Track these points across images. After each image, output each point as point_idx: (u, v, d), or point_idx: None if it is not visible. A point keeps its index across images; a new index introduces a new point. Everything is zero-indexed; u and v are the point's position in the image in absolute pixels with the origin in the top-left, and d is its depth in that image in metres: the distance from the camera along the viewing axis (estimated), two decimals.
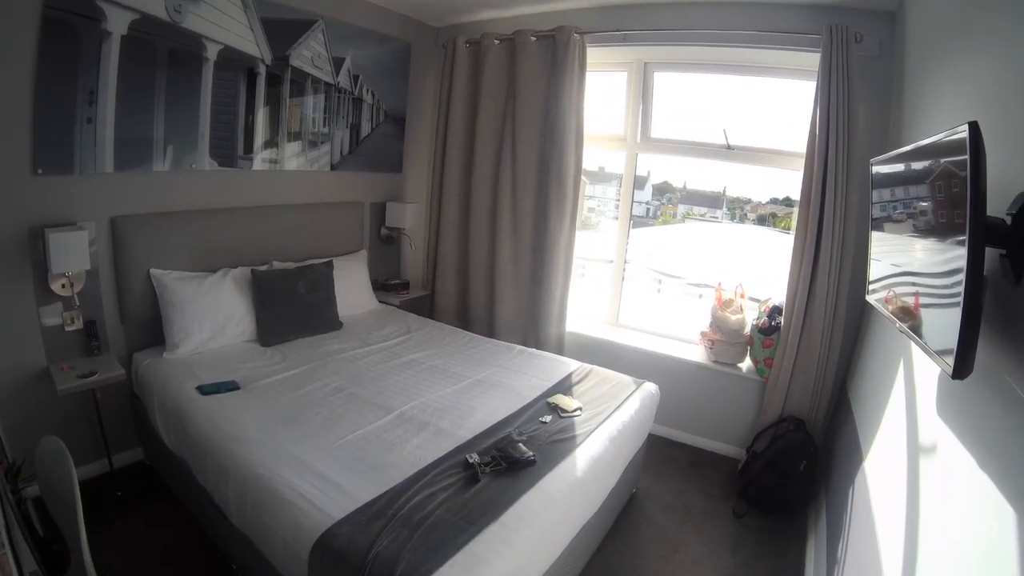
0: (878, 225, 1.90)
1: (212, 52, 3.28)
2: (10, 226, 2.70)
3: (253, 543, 2.14)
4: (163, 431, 2.79)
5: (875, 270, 1.94)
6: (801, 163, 3.31)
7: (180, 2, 3.07)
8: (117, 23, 2.83)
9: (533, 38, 4.01)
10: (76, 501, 1.69)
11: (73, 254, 2.73)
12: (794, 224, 3.48)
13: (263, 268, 3.56)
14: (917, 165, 1.50)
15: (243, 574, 2.41)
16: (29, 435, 2.41)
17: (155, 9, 2.97)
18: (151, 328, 3.19)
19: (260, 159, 3.72)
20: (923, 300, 1.39)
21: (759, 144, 3.81)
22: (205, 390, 2.74)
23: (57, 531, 1.89)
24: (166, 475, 3.01)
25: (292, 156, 3.93)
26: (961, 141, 1.06)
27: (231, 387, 2.80)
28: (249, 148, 3.64)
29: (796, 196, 3.40)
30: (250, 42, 3.46)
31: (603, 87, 4.25)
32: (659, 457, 3.67)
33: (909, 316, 1.47)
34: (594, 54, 3.92)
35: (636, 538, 2.95)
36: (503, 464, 2.25)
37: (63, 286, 2.86)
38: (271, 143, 3.77)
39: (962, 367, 1.04)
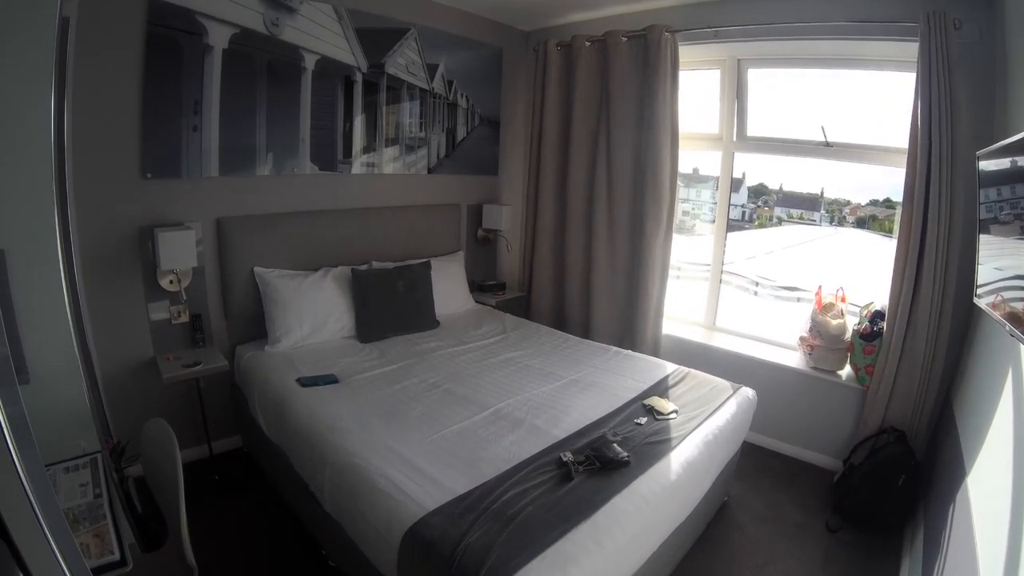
0: (984, 227, 1.77)
1: (310, 62, 3.42)
2: (121, 226, 2.90)
3: (345, 530, 2.19)
4: (263, 420, 2.91)
5: (983, 274, 1.82)
6: (903, 159, 3.12)
7: (277, 16, 3.22)
8: (218, 37, 3.01)
9: (624, 38, 3.97)
10: (179, 482, 1.75)
11: (181, 252, 2.89)
12: (896, 226, 3.29)
13: (363, 268, 3.68)
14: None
15: (333, 559, 2.46)
16: (134, 419, 2.56)
17: (254, 23, 3.14)
18: (253, 323, 3.35)
19: (359, 163, 3.85)
20: None
21: (859, 140, 3.63)
22: (305, 382, 2.83)
23: (155, 509, 1.98)
24: (262, 462, 3.13)
25: (390, 160, 4.05)
26: None
27: (330, 380, 2.88)
28: (348, 153, 3.77)
29: (896, 197, 3.23)
30: (346, 52, 3.58)
31: (697, 85, 4.16)
32: (753, 465, 3.53)
33: (1018, 322, 1.36)
34: (686, 52, 3.84)
35: (726, 547, 2.85)
36: (597, 464, 2.21)
37: (171, 282, 3.04)
38: (369, 148, 3.89)
39: None
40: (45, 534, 0.84)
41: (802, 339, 3.67)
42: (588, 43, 4.15)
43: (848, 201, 4.59)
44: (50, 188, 1.74)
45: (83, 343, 2.54)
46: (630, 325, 4.24)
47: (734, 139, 4.06)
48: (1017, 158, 1.49)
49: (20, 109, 1.60)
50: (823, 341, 3.52)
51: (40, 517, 0.83)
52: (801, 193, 5.00)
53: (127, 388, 3.00)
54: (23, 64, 1.59)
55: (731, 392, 2.98)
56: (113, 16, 2.67)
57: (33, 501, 0.82)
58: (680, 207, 4.13)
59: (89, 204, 2.73)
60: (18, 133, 1.61)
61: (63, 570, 0.86)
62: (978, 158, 1.85)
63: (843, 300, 3.62)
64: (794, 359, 3.77)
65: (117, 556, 1.48)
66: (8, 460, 0.79)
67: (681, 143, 3.95)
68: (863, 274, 3.98)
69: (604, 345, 3.72)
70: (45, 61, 1.64)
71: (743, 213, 4.86)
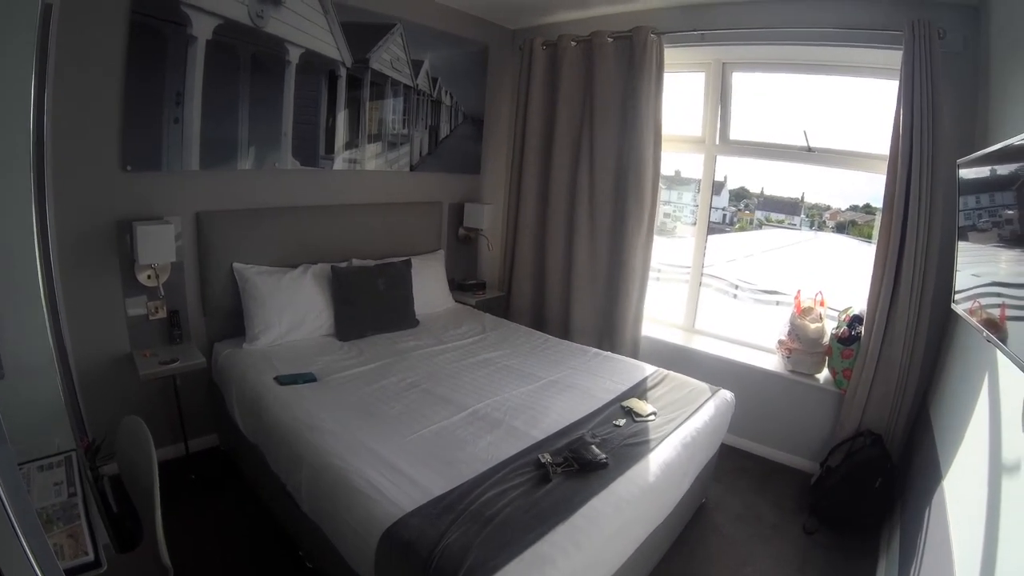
0: (963, 234, 1.81)
1: (294, 56, 3.38)
2: (99, 219, 2.86)
3: (322, 530, 2.18)
4: (240, 419, 2.88)
5: (960, 280, 1.85)
6: (883, 166, 3.17)
7: (262, 8, 3.18)
8: (202, 28, 2.96)
9: (610, 39, 3.98)
10: (154, 481, 1.73)
11: (159, 246, 2.86)
12: (875, 231, 3.33)
13: (343, 265, 3.65)
14: (1003, 169, 1.43)
15: (310, 560, 2.45)
16: (110, 416, 2.51)
17: (238, 15, 3.10)
18: (232, 320, 3.31)
19: (341, 159, 3.82)
20: (1009, 312, 1.31)
21: (840, 146, 3.67)
22: (283, 381, 2.81)
23: (131, 508, 1.95)
24: (240, 461, 3.11)
25: (372, 157, 4.02)
26: None
27: (308, 379, 2.87)
28: (330, 148, 3.74)
29: (876, 203, 3.27)
30: (331, 46, 3.55)
31: (682, 88, 4.18)
32: (730, 467, 3.57)
33: (995, 328, 1.38)
34: (672, 55, 3.85)
35: (704, 549, 2.87)
36: (575, 465, 2.22)
37: (149, 277, 3.00)
38: (352, 144, 3.86)
39: None
40: (17, 535, 0.83)
41: (780, 342, 3.71)
42: (574, 43, 4.15)
43: (828, 206, 4.64)
44: (27, 179, 1.72)
45: (58, 338, 2.51)
46: (610, 326, 4.25)
47: (717, 142, 4.09)
48: (996, 167, 1.52)
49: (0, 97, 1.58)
50: (801, 345, 3.55)
51: (12, 517, 0.82)
52: (782, 197, 5.05)
53: (103, 385, 2.95)
54: (4, 51, 1.56)
55: (709, 394, 3.00)
56: (96, 4, 2.62)
57: (4, 500, 0.81)
58: (661, 209, 4.15)
59: (67, 196, 2.67)
60: None
61: (35, 572, 0.85)
62: (958, 166, 1.88)
63: (822, 304, 3.66)
64: (772, 362, 3.80)
65: (91, 557, 1.46)
66: None
67: (664, 145, 3.96)
68: (842, 279, 4.02)
69: (583, 346, 3.73)
70: (26, 48, 1.61)
71: (724, 216, 4.90)
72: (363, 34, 3.71)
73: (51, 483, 1.67)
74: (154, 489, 1.72)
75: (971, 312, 1.65)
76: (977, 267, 1.66)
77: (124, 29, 2.72)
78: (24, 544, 0.84)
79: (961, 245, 1.85)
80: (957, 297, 1.88)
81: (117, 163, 2.85)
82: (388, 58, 3.90)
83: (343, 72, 3.66)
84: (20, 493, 0.86)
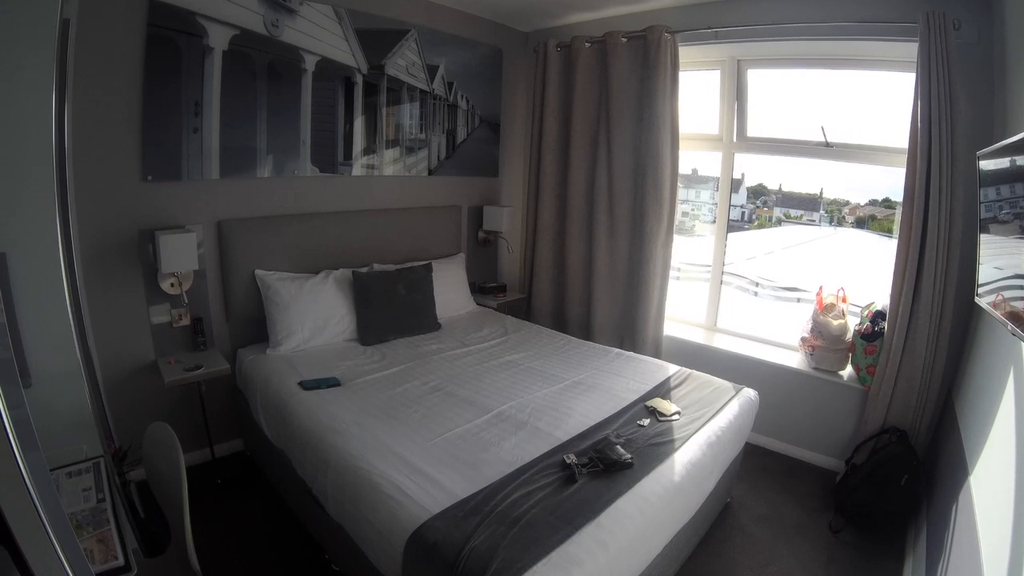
0: (984, 227, 1.78)
1: (310, 63, 3.41)
2: (121, 229, 2.90)
3: (348, 533, 2.18)
4: (264, 423, 2.91)
5: (983, 273, 1.82)
6: (902, 159, 3.12)
7: (277, 17, 3.21)
8: (218, 39, 3.00)
9: (624, 39, 3.97)
10: (183, 486, 1.75)
11: (182, 255, 2.88)
12: (896, 225, 3.29)
13: (363, 270, 3.66)
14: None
15: (336, 563, 2.46)
16: (135, 423, 2.56)
17: (254, 24, 3.13)
18: (255, 326, 3.35)
19: (359, 165, 3.85)
20: None
21: (859, 141, 3.63)
22: (307, 385, 2.82)
23: (158, 513, 1.98)
24: (264, 466, 3.13)
25: (390, 162, 4.05)
26: None
27: (332, 383, 2.88)
28: (348, 155, 3.77)
29: (895, 197, 3.22)
30: (346, 53, 3.58)
31: (697, 86, 4.16)
32: (754, 466, 3.54)
33: (1019, 321, 1.36)
34: (686, 53, 3.84)
35: (728, 548, 2.84)
36: (600, 466, 2.21)
37: (172, 285, 3.03)
38: (369, 150, 3.88)
39: None
40: (51, 540, 0.84)
41: (803, 340, 3.68)
42: (588, 44, 4.15)
43: (847, 201, 4.61)
44: (51, 191, 1.74)
45: (84, 346, 2.53)
46: (631, 326, 4.24)
47: (734, 140, 4.06)
48: (1017, 158, 1.50)
49: (21, 112, 1.60)
50: (824, 341, 3.52)
51: (46, 523, 0.83)
52: (800, 193, 5.02)
53: (128, 392, 2.99)
54: (24, 66, 1.58)
55: (733, 393, 2.97)
56: (113, 18, 2.67)
57: (39, 507, 0.82)
58: (679, 208, 4.13)
59: (89, 207, 2.72)
60: (19, 136, 1.61)
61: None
62: (978, 158, 1.85)
63: (844, 300, 3.62)
64: (795, 360, 3.77)
65: (121, 561, 1.48)
66: (13, 465, 0.79)
67: (681, 144, 3.95)
68: (863, 274, 3.98)
69: (605, 347, 3.71)
70: (46, 63, 1.63)
71: (742, 213, 4.87)
72: (378, 40, 3.73)
73: (80, 489, 1.69)
74: (183, 494, 1.74)
75: (995, 305, 1.63)
76: (1000, 259, 1.63)
77: (141, 41, 2.77)
78: (58, 549, 0.85)
79: (983, 238, 1.83)
80: (980, 290, 1.85)
81: (138, 174, 2.89)
82: (403, 63, 3.92)
83: (359, 79, 3.68)
84: (53, 499, 0.87)
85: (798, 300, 4.73)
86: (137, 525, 1.89)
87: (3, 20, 1.51)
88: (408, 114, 4.07)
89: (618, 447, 2.34)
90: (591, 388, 3.00)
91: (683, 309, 4.50)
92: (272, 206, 3.45)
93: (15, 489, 0.80)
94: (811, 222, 5.00)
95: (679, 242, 4.23)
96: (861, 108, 3.70)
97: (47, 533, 0.83)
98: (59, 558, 0.85)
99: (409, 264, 3.93)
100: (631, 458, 2.26)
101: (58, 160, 1.97)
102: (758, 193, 4.98)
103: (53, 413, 1.83)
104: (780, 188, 5.00)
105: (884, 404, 3.24)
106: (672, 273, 4.21)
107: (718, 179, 4.19)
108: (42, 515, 0.82)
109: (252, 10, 3.11)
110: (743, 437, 2.95)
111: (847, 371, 3.56)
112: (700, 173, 4.67)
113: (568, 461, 2.21)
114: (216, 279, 3.26)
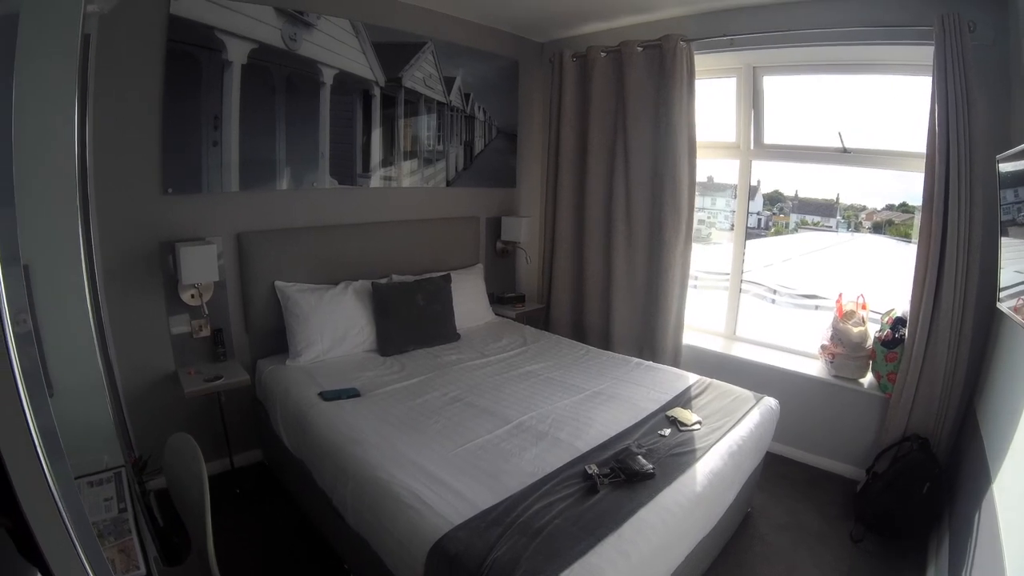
0: (1004, 230, 1.76)
1: (328, 77, 3.45)
2: (142, 241, 2.94)
3: (368, 544, 2.18)
4: (284, 434, 2.92)
5: (1005, 277, 1.79)
6: (921, 163, 3.09)
7: (295, 31, 3.25)
8: (237, 53, 3.04)
9: (639, 48, 3.97)
10: (205, 497, 1.75)
11: (202, 266, 2.91)
12: (915, 230, 3.25)
13: (383, 281, 3.68)
14: None
15: (356, 574, 2.45)
16: (156, 433, 2.58)
17: (272, 39, 3.18)
18: (274, 337, 3.37)
19: (378, 177, 3.88)
20: None
21: (876, 146, 3.60)
22: (326, 396, 2.83)
23: (178, 523, 1.98)
24: (284, 476, 3.14)
25: (408, 174, 4.07)
26: None
27: (352, 394, 2.88)
28: (367, 167, 3.80)
29: (912, 201, 3.19)
30: (363, 66, 3.61)
31: (713, 93, 4.15)
32: (774, 475, 3.49)
33: None
34: (702, 61, 3.84)
35: (750, 558, 2.81)
36: (622, 476, 2.19)
37: (192, 296, 3.06)
38: (388, 162, 3.91)
39: None
40: (76, 548, 0.84)
41: (823, 347, 3.64)
42: (603, 54, 4.16)
43: (864, 206, 4.57)
44: (73, 204, 1.76)
45: (106, 357, 2.56)
46: (650, 336, 4.22)
47: (751, 147, 4.05)
48: None
49: (43, 126, 1.62)
50: (844, 349, 3.48)
51: (72, 533, 0.83)
52: (817, 199, 5.00)
53: (149, 402, 3.02)
54: (46, 82, 1.60)
55: (754, 402, 2.95)
56: (133, 34, 2.72)
57: (63, 514, 0.82)
58: (696, 216, 4.12)
59: (111, 219, 2.77)
60: (42, 150, 1.63)
61: None
62: (998, 161, 1.83)
63: (864, 307, 3.58)
64: (815, 368, 3.73)
65: (143, 571, 1.49)
66: (40, 474, 0.79)
67: (698, 152, 3.94)
68: (882, 280, 3.95)
69: (625, 356, 3.70)
70: (68, 79, 1.65)
71: (759, 220, 4.86)
72: (395, 53, 3.77)
73: (101, 499, 1.70)
74: (205, 504, 1.74)
75: (1016, 310, 1.61)
76: (1021, 263, 1.61)
77: (160, 56, 2.82)
78: (82, 557, 0.85)
79: (1004, 241, 1.81)
80: (1002, 295, 1.83)
81: (158, 186, 2.93)
82: (420, 76, 3.95)
83: (377, 91, 3.72)
84: (78, 509, 0.87)
85: (816, 307, 4.70)
86: (157, 534, 1.90)
87: (25, 37, 1.54)
88: (425, 126, 4.10)
89: (639, 457, 2.32)
90: (611, 398, 2.99)
91: (702, 318, 4.47)
92: (291, 218, 3.48)
93: (43, 500, 0.80)
94: (828, 228, 4.97)
95: (696, 250, 4.21)
96: (878, 112, 3.67)
97: (73, 543, 0.84)
98: (84, 568, 0.85)
99: (428, 275, 3.94)
100: (653, 468, 2.25)
101: (80, 173, 2.00)
102: (774, 200, 4.97)
103: (75, 423, 1.84)
104: (796, 194, 4.98)
105: (905, 411, 3.20)
106: (690, 282, 4.20)
107: (734, 186, 4.17)
108: (68, 524, 0.83)
109: (270, 24, 3.15)
110: (764, 446, 2.92)
111: (867, 378, 3.52)
112: (716, 180, 4.66)
113: (590, 472, 2.20)
114: (236, 290, 3.29)
